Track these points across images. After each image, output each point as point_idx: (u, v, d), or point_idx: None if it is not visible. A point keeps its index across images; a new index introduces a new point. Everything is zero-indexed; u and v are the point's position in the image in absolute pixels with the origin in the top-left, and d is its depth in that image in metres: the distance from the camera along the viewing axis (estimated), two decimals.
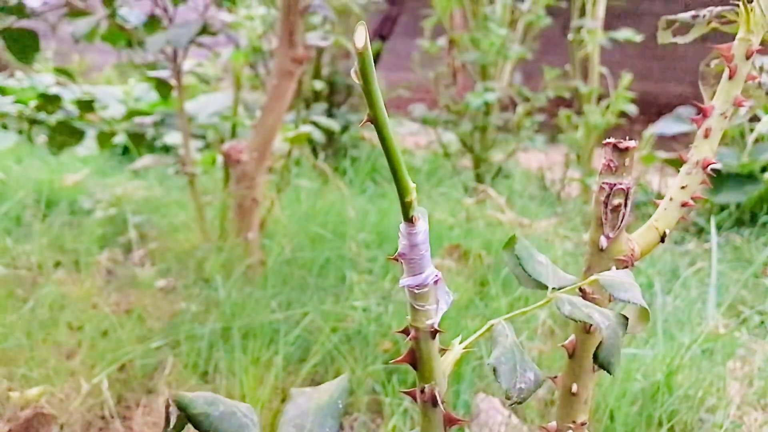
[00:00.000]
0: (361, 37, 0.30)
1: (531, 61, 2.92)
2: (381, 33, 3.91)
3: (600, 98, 2.67)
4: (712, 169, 1.77)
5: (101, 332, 1.29)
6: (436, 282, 0.37)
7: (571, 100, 2.88)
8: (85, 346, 1.23)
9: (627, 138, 0.45)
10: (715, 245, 1.64)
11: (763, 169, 2.30)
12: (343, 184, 2.07)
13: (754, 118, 2.40)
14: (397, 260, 0.37)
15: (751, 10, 0.50)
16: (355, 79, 0.31)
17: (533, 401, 1.05)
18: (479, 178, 2.72)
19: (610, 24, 2.84)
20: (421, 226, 0.35)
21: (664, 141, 2.78)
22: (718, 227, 2.15)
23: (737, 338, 1.43)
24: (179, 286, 1.56)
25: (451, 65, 2.95)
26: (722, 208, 2.25)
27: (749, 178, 2.25)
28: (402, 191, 0.34)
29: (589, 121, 2.56)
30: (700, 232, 2.20)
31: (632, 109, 2.44)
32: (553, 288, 0.42)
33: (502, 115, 2.80)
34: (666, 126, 2.58)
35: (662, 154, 2.48)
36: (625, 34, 2.50)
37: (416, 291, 0.37)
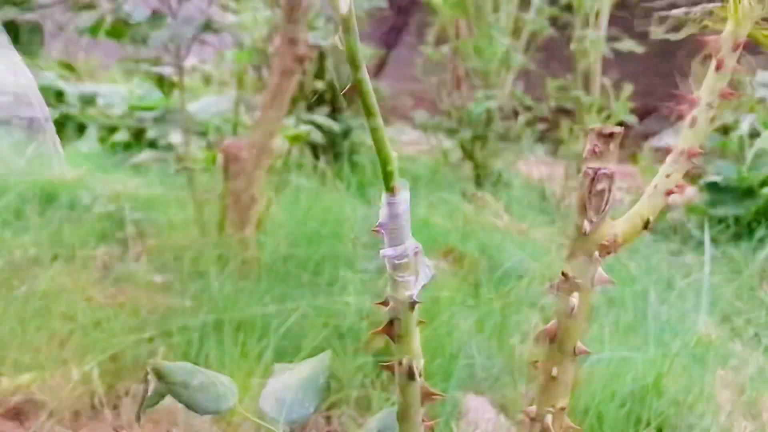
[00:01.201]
0: (345, 2, 0.31)
1: (534, 70, 2.93)
2: (387, 42, 3.93)
3: (601, 110, 2.68)
4: (712, 183, 1.76)
5: (94, 323, 1.29)
6: (416, 254, 0.37)
7: (573, 111, 2.89)
8: (78, 336, 1.23)
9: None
10: (708, 253, 1.64)
11: (762, 184, 2.30)
12: (342, 186, 2.08)
13: (754, 133, 2.41)
14: (377, 232, 0.37)
15: (740, 2, 0.50)
16: (338, 44, 0.31)
17: (524, 400, 1.05)
18: (479, 186, 2.72)
19: (616, 36, 2.86)
20: (402, 195, 0.36)
21: (665, 155, 2.78)
22: (716, 240, 2.16)
23: (731, 348, 1.44)
24: (174, 280, 1.57)
25: (454, 73, 2.96)
26: (720, 220, 2.26)
27: (748, 192, 2.26)
28: (383, 160, 0.35)
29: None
30: (698, 245, 2.20)
31: (632, 120, 2.45)
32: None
33: (504, 124, 2.81)
34: (666, 140, 2.59)
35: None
36: (628, 44, 2.51)
37: (396, 262, 0.37)
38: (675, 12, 0.62)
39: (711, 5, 0.59)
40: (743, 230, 2.23)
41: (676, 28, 0.62)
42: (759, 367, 1.33)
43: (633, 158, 2.85)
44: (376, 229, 0.37)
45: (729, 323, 1.57)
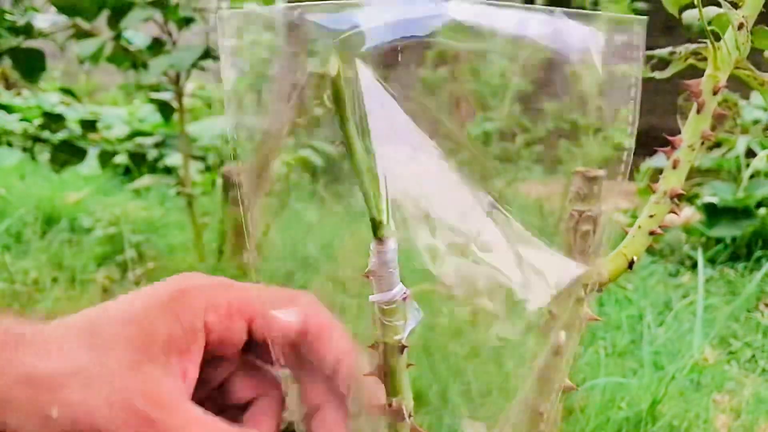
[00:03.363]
0: (334, 64, 0.32)
1: (532, 92, 2.96)
2: (385, 63, 3.96)
3: (597, 130, 2.70)
4: (708, 204, 1.77)
5: None
6: (404, 298, 0.39)
7: (571, 132, 2.91)
8: None
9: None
10: (702, 276, 1.65)
11: (759, 204, 2.31)
12: (341, 210, 2.09)
13: (750, 153, 2.43)
14: (367, 277, 0.38)
15: (718, 48, 0.52)
16: (327, 104, 0.33)
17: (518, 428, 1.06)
18: None
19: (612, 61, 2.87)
20: (391, 244, 0.37)
21: (660, 174, 2.80)
22: (713, 261, 2.17)
23: (727, 371, 1.44)
24: None
25: (452, 94, 2.98)
26: (717, 241, 2.27)
27: (744, 212, 2.27)
28: (373, 210, 0.36)
29: (587, 153, 2.59)
30: (695, 265, 2.21)
31: (628, 143, 2.46)
32: None
33: (501, 145, 2.83)
34: (663, 159, 2.60)
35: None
36: (623, 68, 2.54)
37: (385, 307, 0.38)
38: (660, 51, 0.63)
39: (695, 46, 0.61)
40: (740, 251, 2.24)
41: (662, 67, 0.63)
42: (755, 391, 1.34)
43: (631, 177, 2.87)
44: (366, 275, 0.38)
45: (726, 346, 1.58)
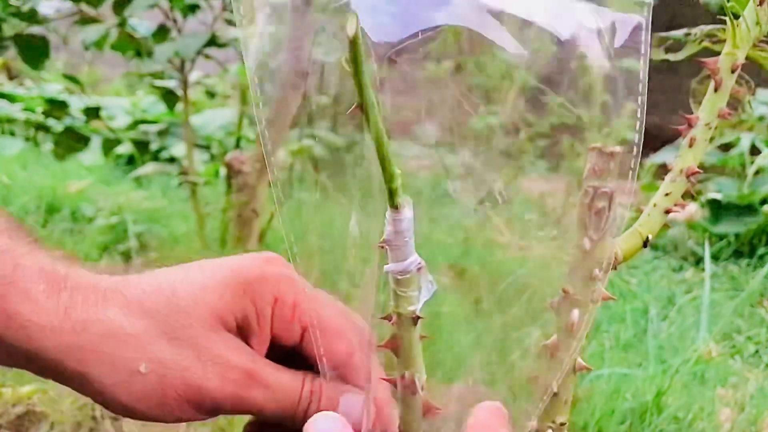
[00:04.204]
0: (352, 25, 0.31)
1: (536, 86, 2.95)
2: (390, 56, 3.95)
3: (602, 126, 2.69)
4: (713, 200, 1.77)
5: None
6: (419, 269, 0.38)
7: (575, 128, 2.90)
8: None
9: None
10: (708, 271, 1.65)
11: (763, 201, 2.31)
12: (344, 200, 2.09)
13: (755, 150, 2.42)
14: (382, 247, 0.38)
15: (737, 25, 0.51)
16: (345, 66, 0.32)
17: (522, 417, 1.05)
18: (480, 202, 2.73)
19: (618, 54, 2.87)
20: (406, 212, 0.36)
21: (666, 170, 2.80)
22: (717, 257, 2.16)
23: (731, 366, 1.44)
24: None
25: (456, 88, 2.98)
26: (721, 237, 2.26)
27: (748, 209, 2.27)
28: (388, 178, 0.35)
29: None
30: (698, 261, 2.20)
31: (634, 137, 2.45)
32: None
33: (505, 140, 2.82)
34: (667, 156, 2.60)
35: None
36: (628, 63, 2.53)
37: (399, 277, 0.38)
38: (675, 33, 0.63)
39: (710, 27, 0.60)
40: (744, 247, 2.23)
41: (676, 48, 0.63)
42: (759, 385, 1.34)
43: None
44: (381, 244, 0.37)
45: (729, 340, 1.58)
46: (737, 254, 2.20)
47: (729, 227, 2.23)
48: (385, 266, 0.37)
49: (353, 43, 0.31)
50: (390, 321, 0.38)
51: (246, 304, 0.42)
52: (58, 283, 0.40)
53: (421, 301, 0.38)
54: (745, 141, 2.42)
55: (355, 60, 0.31)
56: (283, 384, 0.42)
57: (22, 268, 0.40)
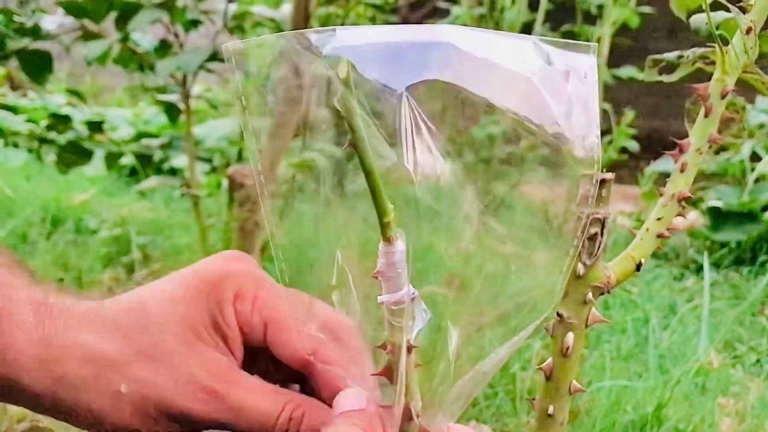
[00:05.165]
0: (343, 69, 0.32)
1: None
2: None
3: (603, 134, 2.70)
4: (713, 208, 1.77)
5: None
6: (413, 299, 0.39)
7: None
8: None
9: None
10: (707, 280, 1.65)
11: (764, 208, 2.31)
12: (345, 211, 2.09)
13: (755, 157, 2.42)
14: (375, 278, 0.39)
15: (726, 52, 0.52)
16: (337, 106, 0.33)
17: (524, 429, 1.06)
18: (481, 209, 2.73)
19: (616, 61, 2.88)
20: (399, 245, 0.37)
21: (666, 178, 2.80)
22: (718, 265, 2.16)
23: (732, 375, 1.44)
24: None
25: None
26: (722, 245, 2.27)
27: (749, 216, 2.27)
28: (380, 212, 0.36)
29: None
30: (699, 269, 2.21)
31: (634, 146, 2.47)
32: None
33: (507, 148, 2.82)
34: (668, 163, 2.60)
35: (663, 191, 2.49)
36: (628, 71, 2.54)
37: (393, 307, 0.39)
38: (668, 55, 0.63)
39: (703, 49, 0.61)
40: (745, 255, 2.23)
41: (670, 70, 0.63)
42: (760, 395, 1.34)
43: (635, 180, 2.87)
44: (374, 275, 0.38)
45: (731, 350, 1.58)
46: (738, 262, 2.20)
47: (730, 235, 2.24)
48: (379, 297, 0.38)
49: (344, 86, 0.32)
50: (385, 350, 0.39)
51: (211, 307, 0.42)
52: (44, 312, 0.41)
53: (416, 330, 0.39)
54: (746, 148, 2.43)
55: (345, 102, 0.32)
56: (257, 407, 0.42)
57: (15, 301, 0.41)
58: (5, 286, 0.41)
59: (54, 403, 0.41)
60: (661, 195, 0.55)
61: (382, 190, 0.35)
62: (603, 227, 0.49)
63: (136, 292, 0.44)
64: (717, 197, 2.33)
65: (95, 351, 0.41)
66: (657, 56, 0.63)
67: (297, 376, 0.45)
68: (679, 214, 0.54)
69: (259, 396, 0.42)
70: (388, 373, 0.40)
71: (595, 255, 0.49)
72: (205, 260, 0.45)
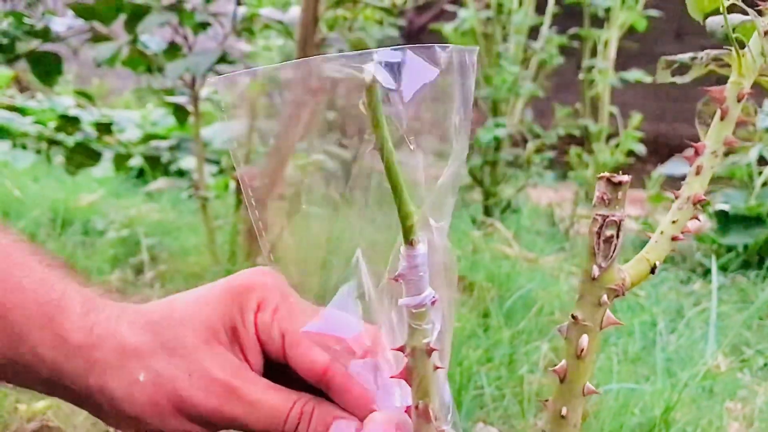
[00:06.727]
0: (369, 71, 0.33)
1: (543, 98, 2.96)
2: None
3: (610, 137, 2.70)
4: (720, 211, 1.77)
5: None
6: (433, 303, 0.39)
7: (582, 139, 2.91)
8: None
9: (629, 175, 0.47)
10: (715, 284, 1.65)
11: None
12: (353, 213, 2.10)
13: (763, 161, 2.42)
14: (396, 281, 0.39)
15: (743, 55, 0.52)
16: (363, 110, 0.33)
17: (531, 431, 1.06)
18: (488, 212, 2.74)
19: (624, 64, 2.88)
20: (421, 248, 0.37)
21: (673, 181, 2.80)
22: (725, 269, 2.16)
23: (740, 379, 1.44)
24: None
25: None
26: (729, 249, 2.26)
27: (757, 220, 2.26)
28: (403, 216, 0.36)
29: (599, 159, 2.59)
30: (706, 273, 2.20)
31: (641, 149, 2.47)
32: None
33: (513, 151, 2.83)
34: (675, 167, 2.60)
35: (671, 194, 2.49)
36: (635, 74, 2.54)
37: (414, 311, 0.39)
38: (681, 57, 0.64)
39: (716, 51, 0.61)
40: (752, 259, 2.23)
41: (683, 71, 0.64)
42: None
43: (642, 184, 2.87)
44: (396, 278, 0.38)
45: (738, 353, 1.58)
46: (746, 266, 2.20)
47: (737, 239, 2.23)
48: (400, 300, 0.38)
49: (370, 91, 0.32)
50: (404, 353, 0.39)
51: (234, 314, 0.45)
52: (90, 306, 0.46)
53: (435, 333, 0.39)
54: (753, 152, 2.42)
55: (371, 106, 0.32)
56: (268, 402, 0.44)
57: (69, 297, 0.46)
58: (63, 284, 0.46)
59: (85, 390, 0.44)
60: (676, 198, 0.56)
61: (406, 194, 0.35)
62: (618, 230, 0.49)
63: (172, 296, 0.48)
64: (724, 201, 2.33)
65: (125, 341, 0.44)
66: (670, 57, 0.64)
67: (315, 393, 0.46)
68: (694, 217, 0.55)
69: (271, 392, 0.44)
70: (407, 376, 0.40)
71: (611, 257, 0.50)
72: (238, 273, 0.49)
